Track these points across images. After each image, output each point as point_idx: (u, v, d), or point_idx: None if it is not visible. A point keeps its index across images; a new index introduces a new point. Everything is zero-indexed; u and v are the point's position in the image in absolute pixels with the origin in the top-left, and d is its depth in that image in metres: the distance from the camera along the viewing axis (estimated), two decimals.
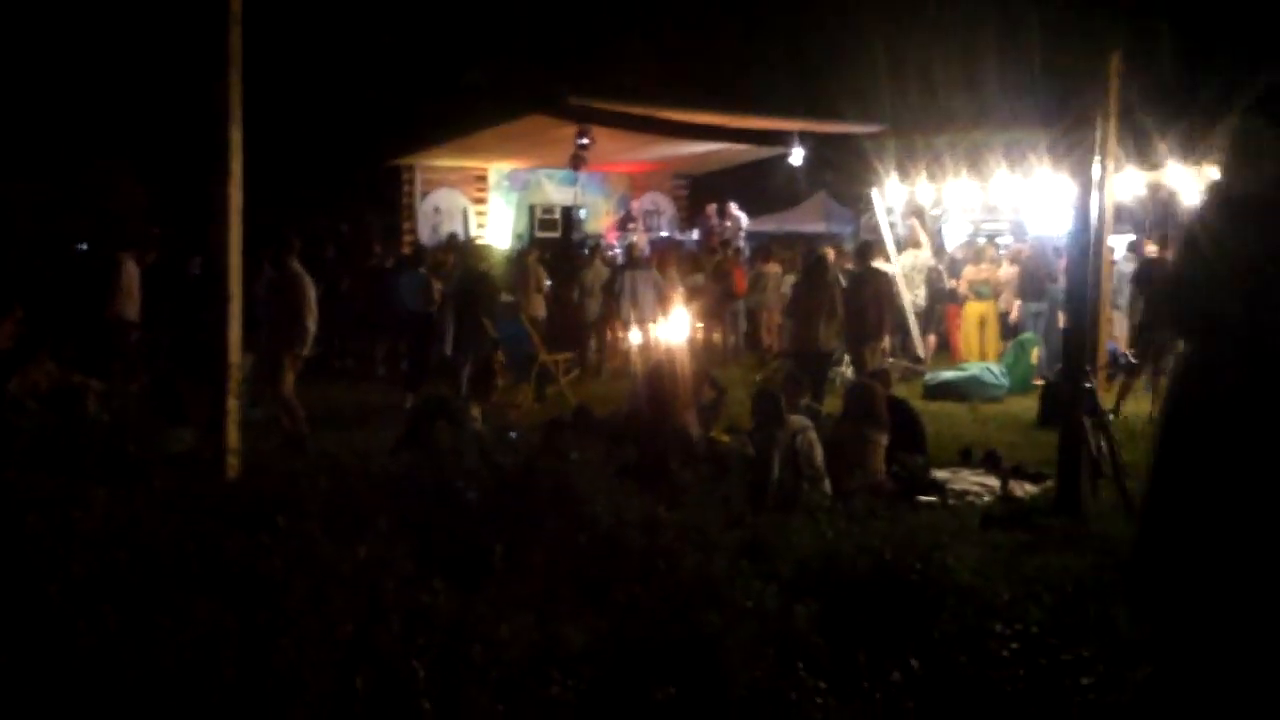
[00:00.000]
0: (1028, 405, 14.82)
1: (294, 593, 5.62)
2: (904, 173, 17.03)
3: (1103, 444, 8.90)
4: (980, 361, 16.95)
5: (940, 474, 10.52)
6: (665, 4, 27.37)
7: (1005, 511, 8.91)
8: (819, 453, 9.11)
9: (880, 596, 5.70)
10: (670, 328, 16.72)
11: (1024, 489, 9.99)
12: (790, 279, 20.26)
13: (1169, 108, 14.79)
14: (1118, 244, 18.80)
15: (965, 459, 11.25)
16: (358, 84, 25.17)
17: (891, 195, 17.65)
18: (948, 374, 15.91)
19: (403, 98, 25.01)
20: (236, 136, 9.75)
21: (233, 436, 9.72)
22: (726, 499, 8.18)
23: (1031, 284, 17.46)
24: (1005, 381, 15.71)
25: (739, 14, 26.25)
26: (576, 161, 22.33)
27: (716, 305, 19.89)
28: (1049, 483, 10.12)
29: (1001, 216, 22.43)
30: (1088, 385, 9.02)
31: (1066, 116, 11.97)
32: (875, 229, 25.71)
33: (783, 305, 20.41)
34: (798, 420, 9.21)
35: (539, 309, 16.90)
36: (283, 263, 11.69)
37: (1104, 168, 13.65)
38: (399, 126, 24.28)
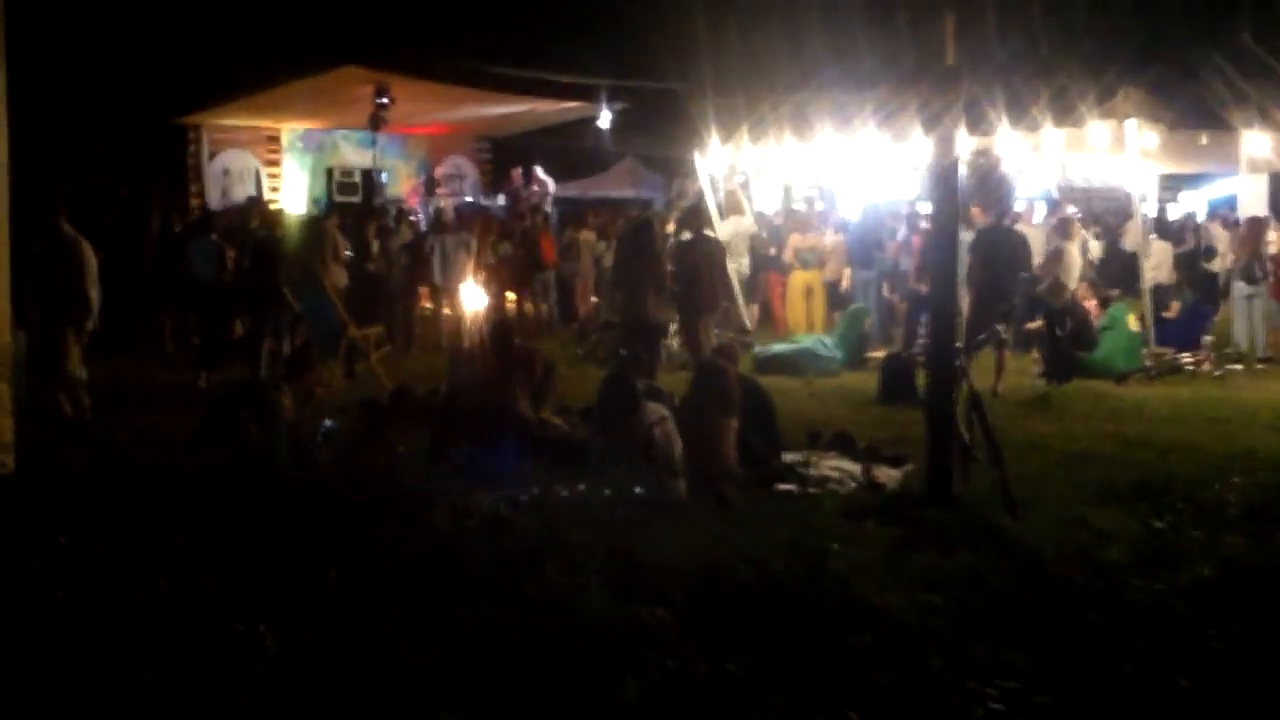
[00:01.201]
0: (864, 379, 14.27)
1: (81, 635, 4.59)
2: (726, 135, 16.31)
3: (974, 425, 8.29)
4: (810, 333, 16.40)
5: (790, 457, 9.79)
6: None
7: (873, 502, 8.23)
8: (678, 445, 8.29)
9: (777, 618, 4.91)
10: (482, 297, 15.88)
11: (885, 474, 9.33)
12: (603, 246, 19.56)
13: (993, 70, 14.36)
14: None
15: (814, 441, 10.51)
16: (137, 33, 23.33)
17: (713, 160, 16.88)
18: (779, 347, 15.24)
19: (188, 50, 23.31)
20: (0, 82, 8.50)
21: (5, 429, 8.52)
22: (579, 496, 7.36)
23: (861, 251, 16.97)
24: (838, 354, 15.13)
25: None
26: (376, 122, 21.25)
27: (525, 275, 18.95)
28: (909, 465, 9.53)
29: (814, 183, 22.10)
30: (958, 363, 8.39)
31: (926, 77, 11.48)
32: (688, 194, 25.27)
33: (599, 274, 19.71)
34: (654, 408, 8.36)
35: (340, 279, 15.67)
36: (54, 227, 10.33)
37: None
38: (183, 81, 22.60)
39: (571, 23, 27.54)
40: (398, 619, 4.99)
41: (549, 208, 25.45)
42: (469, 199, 26.49)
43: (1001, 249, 13.00)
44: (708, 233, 13.33)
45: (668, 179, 27.15)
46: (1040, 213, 20.70)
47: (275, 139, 24.44)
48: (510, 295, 19.93)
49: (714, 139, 16.35)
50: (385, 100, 20.78)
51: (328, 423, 8.21)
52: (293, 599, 5.01)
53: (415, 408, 10.79)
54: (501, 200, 25.97)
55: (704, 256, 12.56)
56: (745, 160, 16.64)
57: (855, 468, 9.49)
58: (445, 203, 24.96)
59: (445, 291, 17.19)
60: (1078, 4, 15.33)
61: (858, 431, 11.06)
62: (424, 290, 17.81)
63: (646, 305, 11.93)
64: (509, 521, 6.13)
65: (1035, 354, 14.58)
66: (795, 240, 17.30)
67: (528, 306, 19.88)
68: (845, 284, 17.21)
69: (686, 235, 13.28)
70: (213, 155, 23.61)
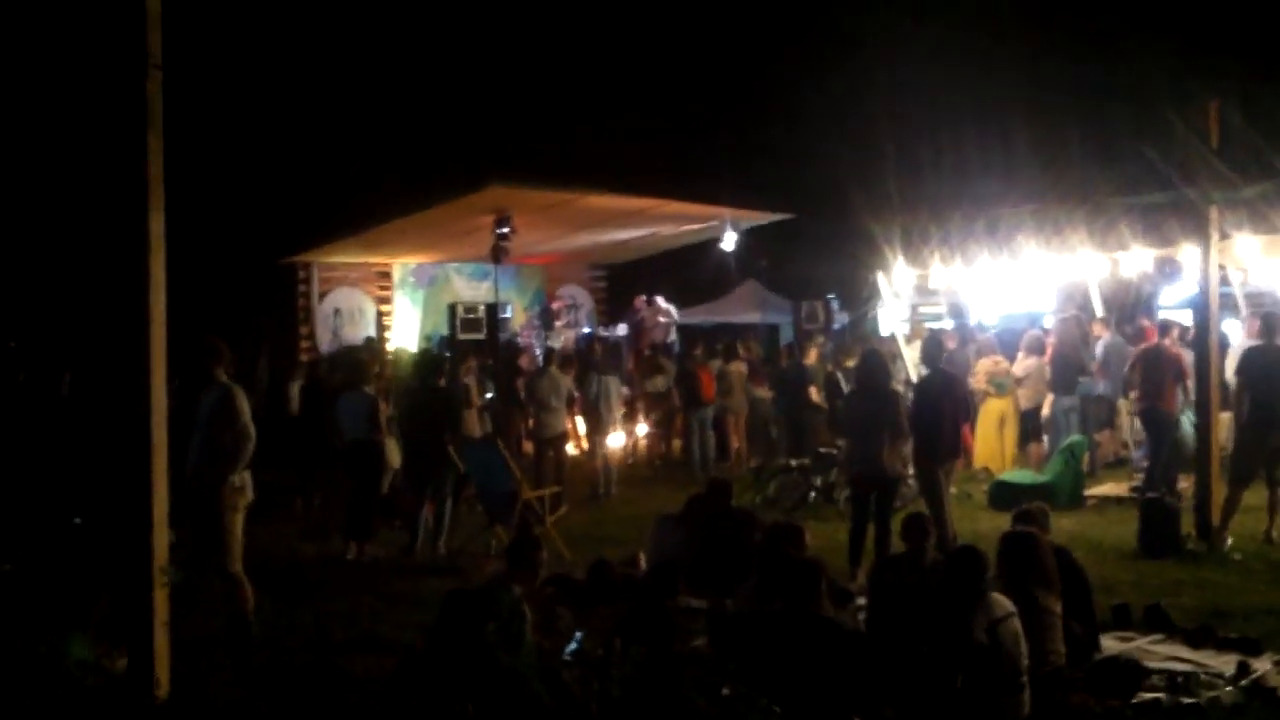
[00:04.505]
0: (1092, 523, 12.62)
1: None
2: (911, 255, 14.65)
3: None
4: (1006, 468, 14.77)
5: (1109, 643, 7.98)
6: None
7: None
8: (1024, 647, 6.48)
9: None
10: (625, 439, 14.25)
11: (1264, 669, 7.41)
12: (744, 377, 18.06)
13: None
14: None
15: (1122, 618, 8.66)
16: (246, 175, 22.28)
17: (898, 281, 15.20)
18: (1019, 478, 13.68)
19: (300, 189, 22.20)
20: (158, 227, 7.04)
21: (160, 643, 6.94)
22: None
23: (1065, 375, 15.09)
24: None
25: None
26: (498, 253, 19.78)
27: (682, 412, 17.35)
28: (1271, 653, 7.66)
29: (941, 299, 20.38)
30: None
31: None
32: (819, 317, 23.59)
33: (751, 409, 18.12)
34: (1001, 602, 6.53)
35: (474, 428, 14.06)
36: (212, 376, 8.65)
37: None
38: (295, 221, 21.42)
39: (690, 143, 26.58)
40: None
41: (672, 336, 23.96)
42: (586, 330, 24.99)
43: (1275, 370, 11.17)
44: (945, 367, 11.52)
45: (794, 301, 25.57)
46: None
47: (386, 275, 23.09)
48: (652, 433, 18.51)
49: (899, 259, 14.69)
50: (507, 230, 19.39)
51: (575, 643, 6.44)
52: None
53: (613, 586, 9.15)
54: (622, 330, 24.38)
55: (946, 395, 10.79)
56: (937, 280, 14.91)
57: (1208, 659, 7.64)
58: (565, 335, 23.58)
59: (600, 433, 15.64)
60: None
61: (1138, 597, 9.27)
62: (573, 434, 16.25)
63: (881, 456, 10.16)
64: None
65: None
66: (986, 364, 15.51)
67: (674, 444, 18.36)
68: (1046, 411, 15.33)
69: (923, 370, 11.56)
70: (323, 294, 22.22)
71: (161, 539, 6.88)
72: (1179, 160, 11.31)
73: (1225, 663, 7.56)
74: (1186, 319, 17.70)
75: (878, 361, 10.72)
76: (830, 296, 24.16)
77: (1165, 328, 14.31)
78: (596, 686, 5.39)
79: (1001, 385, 15.37)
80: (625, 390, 17.32)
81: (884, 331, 19.41)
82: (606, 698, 4.97)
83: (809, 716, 4.91)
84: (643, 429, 18.52)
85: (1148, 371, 13.59)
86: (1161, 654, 7.84)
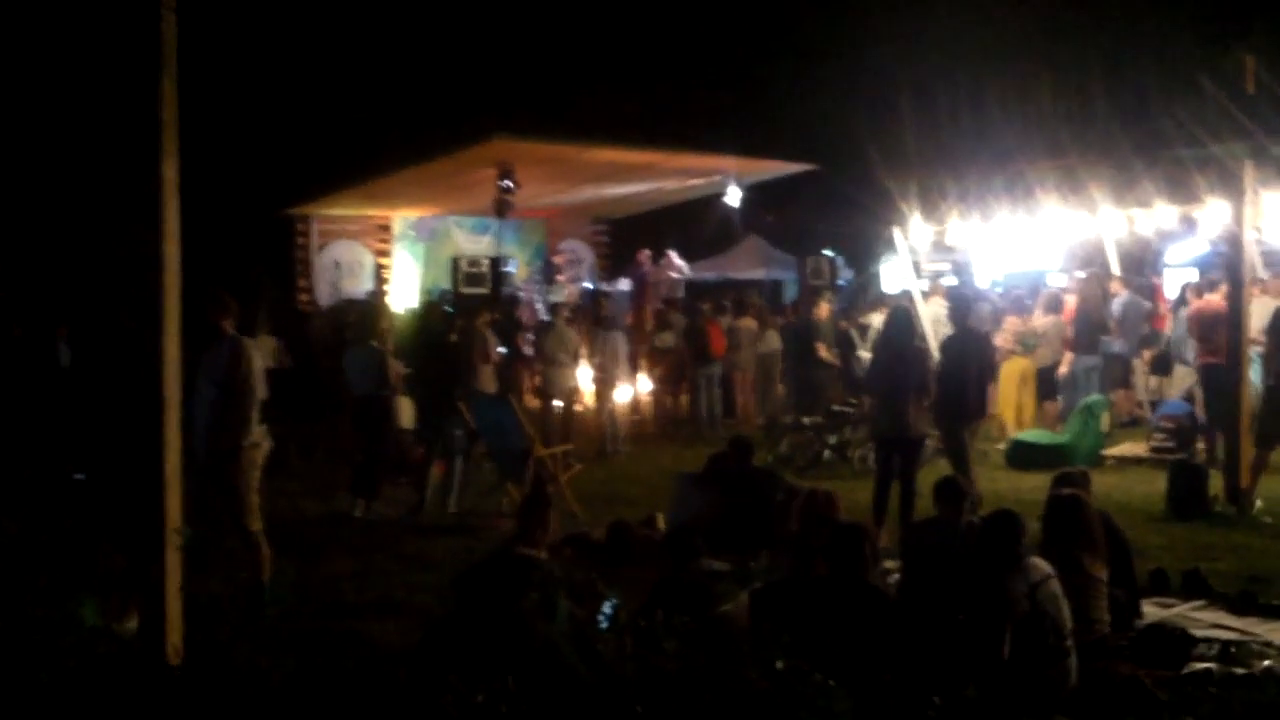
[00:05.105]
0: (1116, 483, 12.28)
1: None
2: (929, 210, 14.31)
3: None
4: (1024, 428, 14.52)
5: (1150, 609, 7.76)
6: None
7: None
8: (1067, 612, 6.23)
9: None
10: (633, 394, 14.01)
11: None
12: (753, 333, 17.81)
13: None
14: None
15: (1159, 583, 8.42)
16: (246, 125, 21.88)
17: (915, 237, 14.84)
18: (1037, 438, 13.53)
19: (300, 140, 21.83)
20: (171, 173, 6.70)
21: (174, 608, 6.68)
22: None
23: (1087, 334, 14.79)
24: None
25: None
26: (501, 207, 19.39)
27: (690, 368, 17.06)
28: None
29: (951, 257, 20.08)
30: None
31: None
32: (824, 273, 23.26)
33: (759, 365, 17.84)
34: (1038, 565, 6.27)
35: (489, 384, 13.78)
36: (219, 330, 8.42)
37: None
38: (294, 172, 21.07)
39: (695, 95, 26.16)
40: None
41: (680, 292, 23.60)
42: (589, 285, 24.63)
43: None
44: (972, 325, 11.28)
45: (799, 257, 25.25)
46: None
47: (386, 228, 22.73)
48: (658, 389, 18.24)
49: (916, 215, 14.35)
50: (510, 183, 19.01)
51: (608, 606, 6.17)
52: None
53: (636, 547, 8.95)
54: (625, 285, 24.01)
55: (972, 353, 10.55)
56: (954, 236, 14.57)
57: (1254, 626, 7.43)
58: (568, 290, 23.26)
59: (607, 389, 15.40)
60: None
61: (1171, 561, 9.05)
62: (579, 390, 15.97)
63: (907, 415, 9.92)
64: None
65: None
66: (1012, 322, 15.26)
67: (680, 401, 18.11)
68: (1064, 369, 15.00)
69: (949, 329, 11.32)
70: (322, 246, 21.89)
71: (174, 499, 6.61)
72: (1210, 116, 10.99)
73: (1271, 630, 7.37)
74: (1193, 277, 17.51)
75: (905, 319, 10.47)
76: (827, 252, 23.75)
77: (1213, 284, 13.94)
78: (640, 659, 5.07)
79: (1028, 344, 15.14)
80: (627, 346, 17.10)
81: (886, 289, 19.20)
82: (656, 671, 4.68)
83: (878, 694, 4.63)
84: (645, 384, 18.24)
85: (1205, 330, 13.30)
86: (1205, 621, 7.62)
